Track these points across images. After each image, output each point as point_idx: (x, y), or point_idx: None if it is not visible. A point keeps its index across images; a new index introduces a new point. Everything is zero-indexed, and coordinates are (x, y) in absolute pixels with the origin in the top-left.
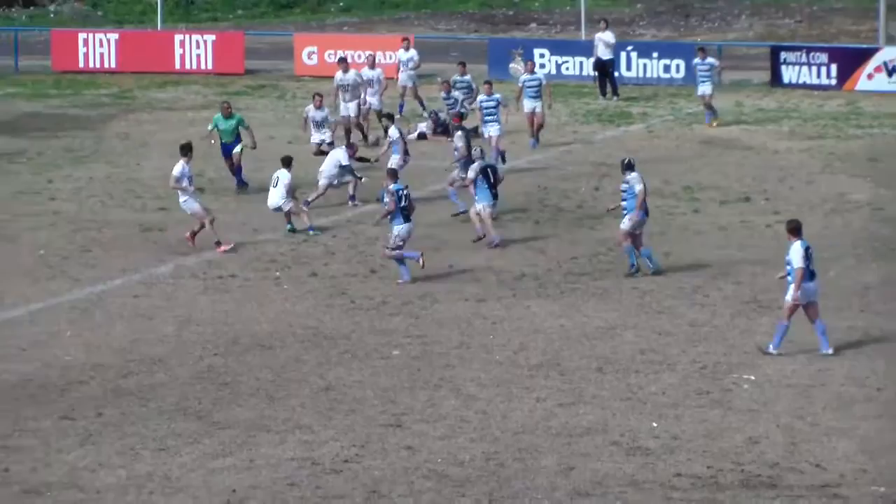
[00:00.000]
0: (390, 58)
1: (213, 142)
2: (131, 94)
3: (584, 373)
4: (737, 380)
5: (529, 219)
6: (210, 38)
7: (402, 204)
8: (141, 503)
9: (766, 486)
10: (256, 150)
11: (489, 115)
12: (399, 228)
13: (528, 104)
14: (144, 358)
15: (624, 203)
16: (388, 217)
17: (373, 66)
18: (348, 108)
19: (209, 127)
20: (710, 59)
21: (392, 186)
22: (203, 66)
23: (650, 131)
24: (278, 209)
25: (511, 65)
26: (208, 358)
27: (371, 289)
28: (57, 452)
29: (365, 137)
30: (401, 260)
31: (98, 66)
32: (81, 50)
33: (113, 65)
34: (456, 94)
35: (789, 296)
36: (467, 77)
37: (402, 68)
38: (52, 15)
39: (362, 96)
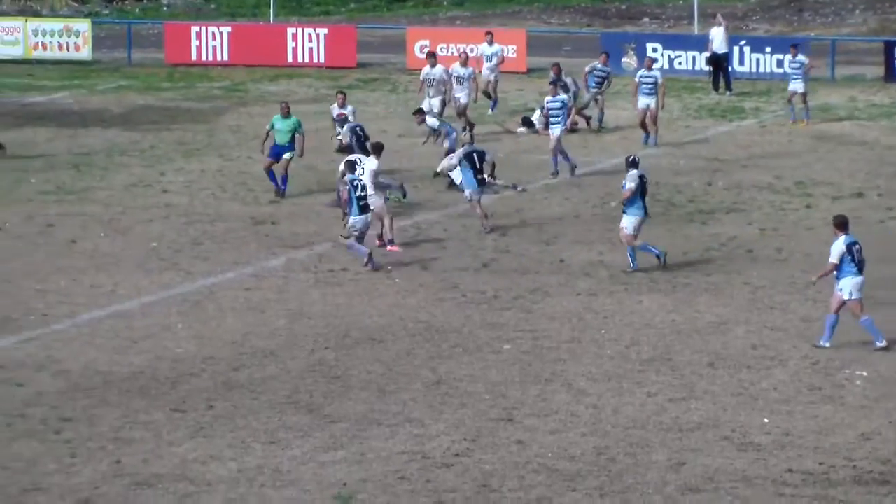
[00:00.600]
0: (509, 51)
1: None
2: (244, 87)
3: (696, 368)
4: (849, 376)
5: None
6: (322, 31)
7: (357, 194)
8: (252, 496)
9: (878, 482)
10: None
11: (554, 117)
12: (354, 220)
13: (641, 101)
14: (256, 351)
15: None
16: (347, 206)
17: (465, 63)
18: (432, 104)
19: (267, 126)
20: (801, 57)
21: (347, 177)
22: (315, 60)
23: (762, 126)
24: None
25: (624, 59)
26: (319, 351)
27: (482, 283)
28: (168, 445)
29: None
30: (355, 247)
31: (211, 59)
32: (194, 43)
33: (225, 58)
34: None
35: (848, 292)
36: (607, 68)
37: (485, 62)
38: (165, 8)
39: (450, 93)
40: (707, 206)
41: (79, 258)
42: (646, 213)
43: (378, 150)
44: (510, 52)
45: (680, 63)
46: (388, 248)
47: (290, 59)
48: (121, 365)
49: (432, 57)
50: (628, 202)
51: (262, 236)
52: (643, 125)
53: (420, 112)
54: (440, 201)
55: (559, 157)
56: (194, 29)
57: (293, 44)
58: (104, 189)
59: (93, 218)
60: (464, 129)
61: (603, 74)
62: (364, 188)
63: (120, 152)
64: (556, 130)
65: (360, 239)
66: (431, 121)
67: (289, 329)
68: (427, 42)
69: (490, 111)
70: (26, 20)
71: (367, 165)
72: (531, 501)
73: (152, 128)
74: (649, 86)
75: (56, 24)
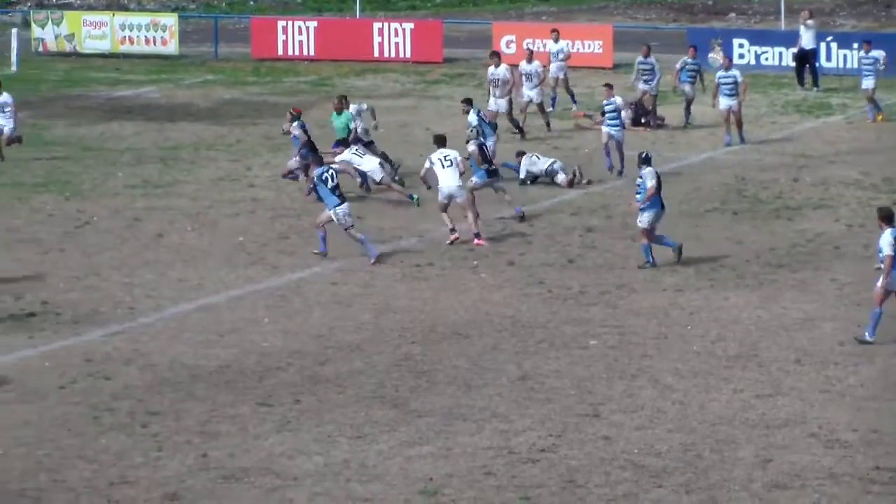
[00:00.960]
0: (588, 47)
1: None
2: (330, 81)
3: (782, 364)
4: None
5: (728, 210)
6: (408, 26)
7: (332, 184)
8: (338, 490)
9: None
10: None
11: (611, 119)
12: (340, 210)
13: (723, 102)
14: (342, 345)
15: (638, 197)
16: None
17: (530, 59)
18: (498, 104)
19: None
20: (874, 53)
21: (315, 172)
22: (401, 55)
23: (849, 122)
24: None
25: (710, 55)
26: (406, 346)
27: (568, 278)
28: (254, 438)
29: (520, 131)
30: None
31: (297, 53)
32: (280, 37)
33: (312, 52)
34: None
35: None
36: (698, 61)
37: (552, 60)
38: (252, 2)
39: (521, 90)
40: (794, 202)
41: (166, 252)
42: (662, 207)
43: (441, 141)
44: (596, 47)
45: (766, 59)
46: (475, 241)
47: (376, 53)
48: (207, 359)
49: (496, 56)
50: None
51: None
52: (728, 124)
53: (469, 102)
54: (526, 197)
55: (613, 156)
56: (281, 23)
57: (379, 38)
58: (191, 183)
59: (180, 212)
60: (547, 125)
61: (695, 68)
62: (335, 177)
63: (206, 147)
64: (611, 130)
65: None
66: (472, 116)
67: (375, 323)
68: (513, 37)
69: (551, 108)
70: (113, 14)
71: (454, 157)
72: (617, 497)
73: (239, 122)
74: (729, 86)
75: (143, 19)
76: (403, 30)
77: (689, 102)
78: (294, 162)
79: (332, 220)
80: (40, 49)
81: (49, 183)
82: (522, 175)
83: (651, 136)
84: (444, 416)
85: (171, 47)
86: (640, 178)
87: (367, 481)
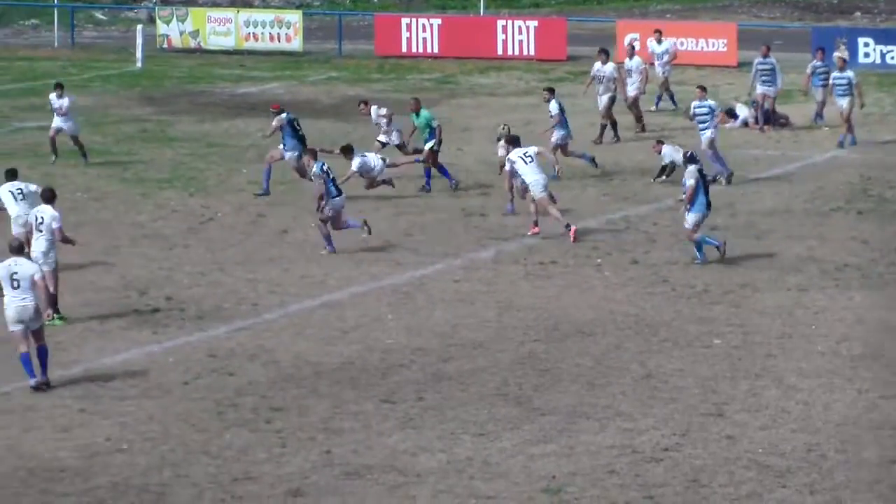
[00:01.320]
0: (712, 45)
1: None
2: (454, 79)
3: None
4: None
5: (853, 209)
6: (532, 24)
7: (331, 177)
8: (461, 487)
9: None
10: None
11: (701, 122)
12: (334, 202)
13: (837, 102)
14: (465, 342)
15: (682, 198)
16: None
17: (631, 55)
18: (601, 101)
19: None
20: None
21: (315, 167)
22: (525, 52)
23: None
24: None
25: (835, 54)
26: (529, 344)
27: (692, 277)
28: (378, 435)
29: (640, 123)
30: (327, 236)
31: (420, 51)
32: (404, 35)
33: (435, 50)
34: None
35: None
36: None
37: (656, 60)
38: (375, 0)
39: (620, 89)
40: None
41: (289, 248)
42: (708, 207)
43: (516, 142)
44: (720, 45)
45: (892, 58)
46: (569, 232)
47: (499, 51)
48: (331, 355)
49: (604, 53)
50: (692, 199)
51: (472, 228)
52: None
53: (551, 91)
54: (650, 195)
55: (714, 160)
56: (405, 21)
57: (503, 36)
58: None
59: (303, 208)
60: (638, 124)
61: (825, 70)
62: (330, 171)
63: (330, 143)
64: (705, 133)
65: (335, 220)
66: (553, 105)
67: (498, 321)
68: (637, 35)
69: (654, 107)
70: (238, 11)
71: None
72: (741, 497)
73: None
74: (843, 87)
75: (267, 16)
76: (527, 27)
77: (821, 105)
78: (291, 160)
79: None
80: (165, 45)
81: (173, 179)
82: (667, 161)
83: (776, 136)
84: (568, 415)
85: (296, 44)
86: (684, 177)
87: (490, 479)
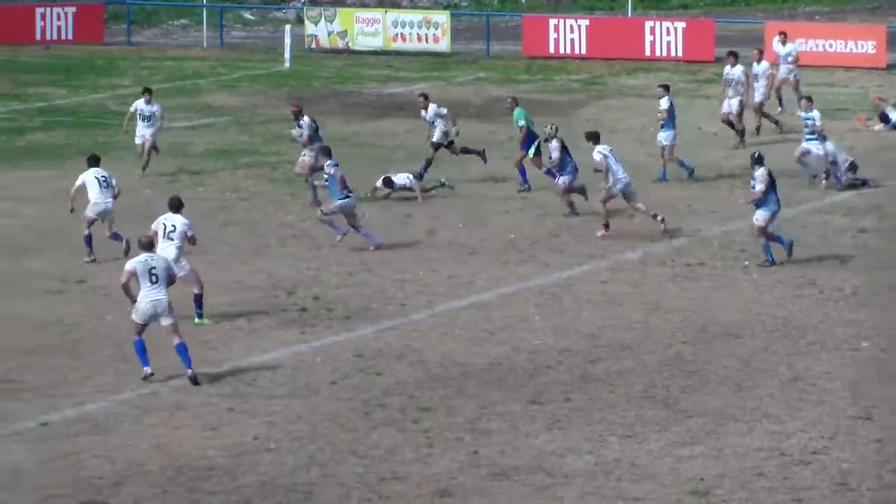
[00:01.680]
0: (861, 47)
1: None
2: (602, 80)
3: None
4: None
5: None
6: (680, 25)
7: (338, 178)
8: (608, 489)
9: None
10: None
11: (810, 133)
12: (341, 203)
13: None
14: (612, 344)
15: (753, 193)
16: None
17: (759, 59)
18: (730, 105)
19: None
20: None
21: (329, 164)
22: (673, 54)
23: None
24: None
25: None
26: (676, 345)
27: (840, 279)
28: (525, 436)
29: (777, 124)
30: (331, 223)
31: (568, 52)
32: (552, 36)
33: (583, 51)
34: None
35: None
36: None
37: (781, 62)
38: (522, 1)
39: (748, 94)
40: None
41: (437, 248)
42: (778, 206)
43: (596, 138)
44: (869, 48)
45: None
46: (658, 221)
47: (647, 52)
48: (478, 356)
49: (733, 56)
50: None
51: (619, 229)
52: None
53: (666, 88)
54: (796, 197)
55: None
56: (552, 22)
57: (651, 37)
58: (462, 181)
59: (451, 209)
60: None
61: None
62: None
63: (475, 144)
64: (828, 147)
65: (349, 219)
66: (664, 102)
67: (645, 323)
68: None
69: (778, 109)
70: (386, 11)
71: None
72: (890, 501)
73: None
74: None
75: (415, 16)
76: (675, 29)
77: None
78: (308, 158)
79: (337, 210)
80: (313, 46)
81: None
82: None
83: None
84: (715, 417)
85: (443, 45)
86: (753, 179)
87: (638, 480)
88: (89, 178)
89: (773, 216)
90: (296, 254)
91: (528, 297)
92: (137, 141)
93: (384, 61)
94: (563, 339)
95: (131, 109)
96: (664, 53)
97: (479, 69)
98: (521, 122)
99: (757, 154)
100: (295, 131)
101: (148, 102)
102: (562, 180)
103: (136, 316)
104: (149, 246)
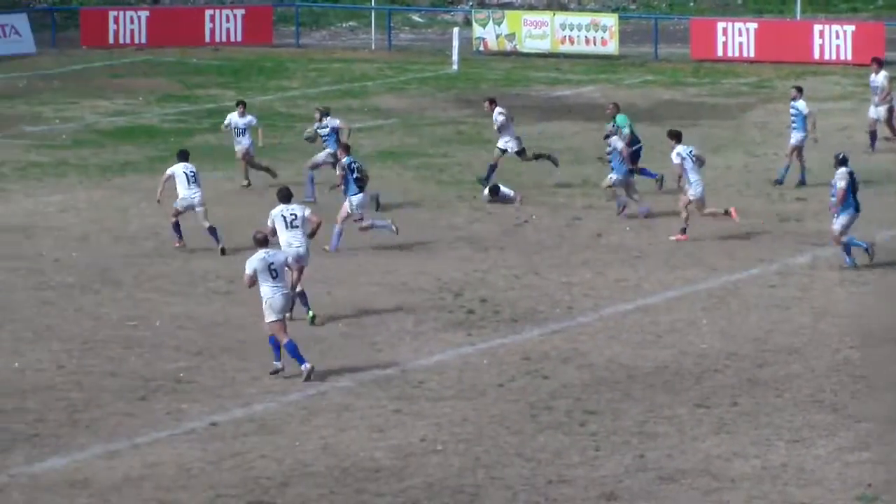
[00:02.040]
0: None
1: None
2: (770, 83)
3: None
4: None
5: None
6: (849, 28)
7: (355, 175)
8: (775, 494)
9: None
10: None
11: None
12: (356, 199)
13: None
14: (779, 348)
15: (831, 200)
16: (343, 188)
17: (878, 71)
18: (877, 111)
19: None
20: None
21: (344, 160)
22: (842, 57)
23: None
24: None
25: None
26: (844, 350)
27: None
28: (692, 440)
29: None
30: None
31: (736, 55)
32: (720, 39)
33: (751, 54)
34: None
35: None
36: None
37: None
38: (692, 3)
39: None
40: None
41: (604, 251)
42: (857, 209)
43: (678, 136)
44: None
45: None
46: (730, 214)
47: (816, 56)
48: (645, 359)
49: (876, 63)
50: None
51: (788, 233)
52: None
53: (798, 90)
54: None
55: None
56: (720, 25)
57: (820, 41)
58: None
59: (617, 212)
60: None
61: None
62: (360, 169)
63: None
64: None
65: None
66: (801, 105)
67: (813, 327)
68: None
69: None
70: (554, 14)
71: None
72: None
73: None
74: None
75: (583, 19)
76: (844, 32)
77: None
78: (323, 155)
79: (348, 211)
80: (481, 48)
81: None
82: None
83: None
84: (884, 422)
85: (611, 47)
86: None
87: (805, 485)
88: (178, 171)
89: (851, 220)
90: (463, 256)
91: (695, 301)
92: (238, 156)
93: (552, 64)
94: (730, 342)
95: (225, 122)
96: (833, 57)
97: (647, 72)
98: (626, 130)
99: (842, 155)
100: (311, 129)
101: (242, 115)
102: (614, 177)
103: (273, 312)
104: (264, 242)
